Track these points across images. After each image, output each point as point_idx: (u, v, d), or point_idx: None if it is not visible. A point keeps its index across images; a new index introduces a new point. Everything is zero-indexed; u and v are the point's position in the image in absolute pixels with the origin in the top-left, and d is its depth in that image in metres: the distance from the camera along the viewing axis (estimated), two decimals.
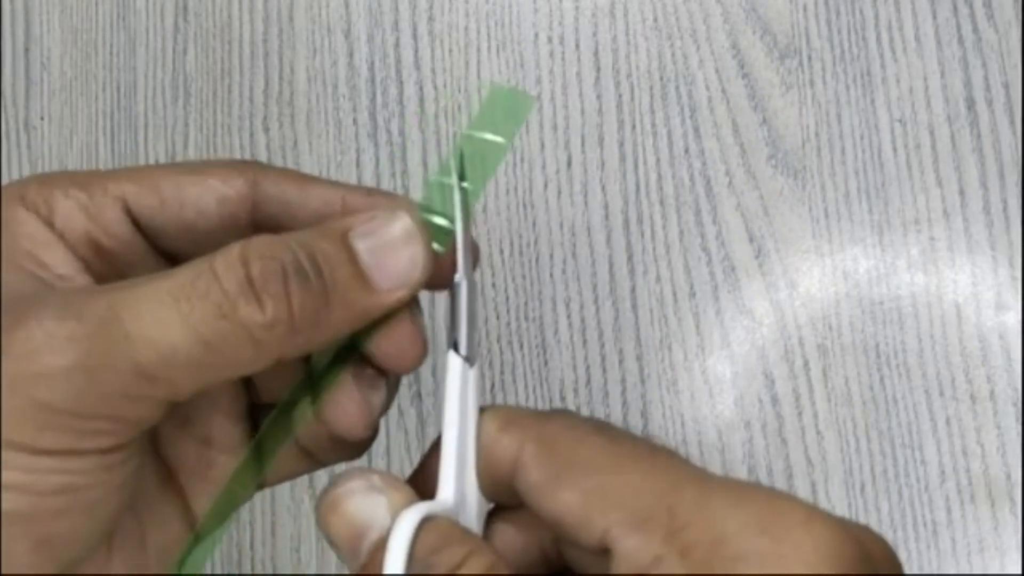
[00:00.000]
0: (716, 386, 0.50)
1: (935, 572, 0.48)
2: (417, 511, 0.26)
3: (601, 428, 0.27)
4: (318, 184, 0.30)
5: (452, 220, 0.29)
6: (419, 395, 0.52)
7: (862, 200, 0.51)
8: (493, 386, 0.51)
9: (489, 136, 0.29)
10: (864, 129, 0.51)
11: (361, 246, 0.28)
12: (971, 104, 0.51)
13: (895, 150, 0.51)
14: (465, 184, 0.29)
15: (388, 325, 0.28)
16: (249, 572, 0.51)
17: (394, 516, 0.26)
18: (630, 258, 0.51)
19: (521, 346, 0.51)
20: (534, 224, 0.52)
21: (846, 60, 0.52)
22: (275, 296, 0.26)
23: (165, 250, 0.30)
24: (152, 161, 0.56)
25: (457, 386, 0.28)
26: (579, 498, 0.25)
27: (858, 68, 0.51)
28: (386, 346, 0.29)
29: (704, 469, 0.26)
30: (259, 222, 0.29)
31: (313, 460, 0.31)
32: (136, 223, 0.29)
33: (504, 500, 0.28)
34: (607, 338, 0.51)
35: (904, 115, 0.51)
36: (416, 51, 0.54)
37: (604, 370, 0.51)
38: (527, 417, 0.28)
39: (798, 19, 0.52)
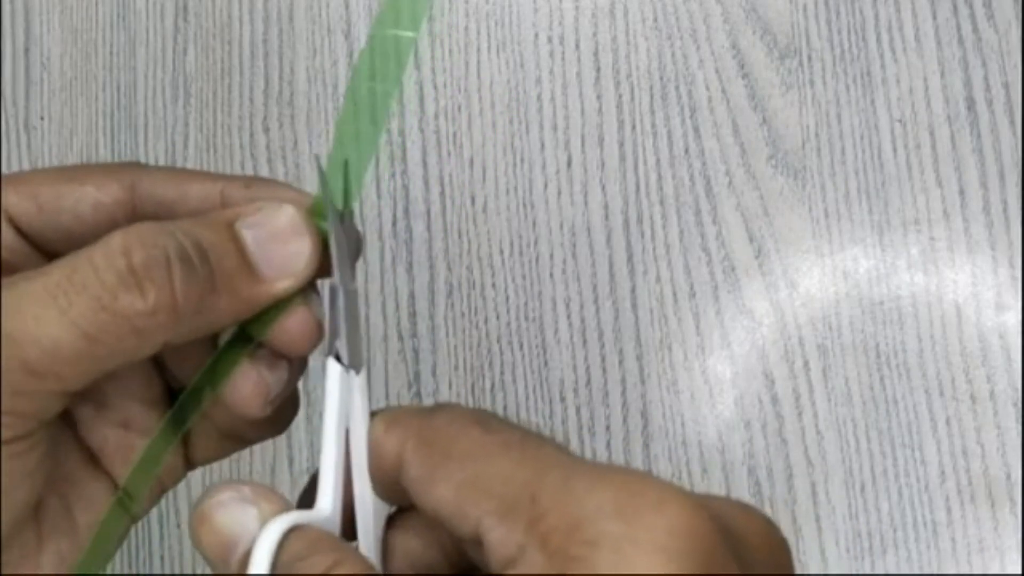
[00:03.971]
0: (716, 386, 0.50)
1: (935, 572, 0.48)
2: (284, 520, 0.26)
3: (479, 419, 0.27)
4: (196, 179, 0.30)
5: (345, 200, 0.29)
6: (419, 395, 0.52)
7: (862, 200, 0.51)
8: (493, 386, 0.52)
9: (397, 31, 0.29)
10: (864, 129, 0.51)
11: (248, 236, 0.28)
12: (971, 104, 0.51)
13: (895, 150, 0.51)
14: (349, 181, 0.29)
15: (280, 311, 0.29)
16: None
17: (263, 527, 0.26)
18: (630, 258, 0.51)
19: (521, 346, 0.51)
20: (534, 224, 0.52)
21: (846, 60, 0.52)
22: (158, 284, 0.26)
23: (50, 254, 0.30)
24: (153, 161, 0.56)
25: (336, 395, 0.28)
26: (452, 491, 0.25)
27: (858, 68, 0.52)
28: (278, 331, 0.29)
29: (573, 454, 0.26)
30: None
31: (235, 439, 0.31)
32: (19, 229, 0.30)
33: (399, 501, 0.28)
34: (607, 338, 0.51)
35: (904, 115, 0.51)
36: (416, 51, 0.54)
37: (604, 370, 0.51)
38: (411, 415, 0.28)
39: (798, 19, 0.52)
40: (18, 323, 0.26)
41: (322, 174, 0.29)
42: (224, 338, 0.30)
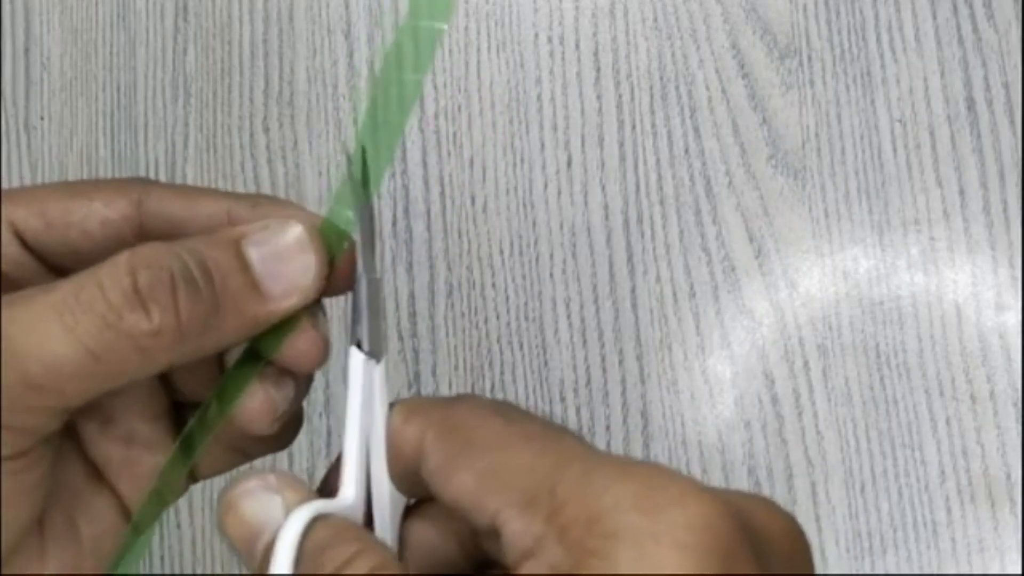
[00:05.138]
0: (716, 386, 0.50)
1: (935, 572, 0.48)
2: (308, 509, 0.26)
3: (500, 410, 0.27)
4: (204, 197, 0.30)
5: (358, 213, 0.29)
6: (419, 395, 0.52)
7: (862, 200, 0.51)
8: (493, 386, 0.51)
9: (426, 23, 0.29)
10: (864, 129, 0.51)
11: (254, 254, 0.28)
12: (971, 104, 0.51)
13: (895, 150, 0.51)
14: (371, 174, 0.29)
15: (288, 329, 0.29)
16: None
17: (289, 516, 0.26)
18: (630, 258, 0.51)
19: (521, 346, 0.51)
20: (534, 224, 0.52)
21: (846, 60, 0.52)
22: (162, 304, 0.26)
23: (57, 268, 0.30)
24: (152, 161, 0.56)
25: (359, 383, 0.28)
26: (472, 480, 0.25)
27: (858, 68, 0.51)
28: (286, 349, 0.29)
29: (595, 447, 0.26)
30: (148, 240, 0.30)
31: (240, 453, 0.32)
32: (26, 244, 0.30)
33: (417, 493, 0.28)
34: (607, 338, 0.51)
35: (904, 115, 0.51)
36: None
37: (604, 370, 0.51)
38: (431, 405, 0.28)
39: (798, 19, 0.52)
40: (23, 339, 0.26)
41: (348, 160, 0.29)
42: (231, 357, 0.30)
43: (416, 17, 0.30)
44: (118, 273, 0.26)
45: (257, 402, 0.29)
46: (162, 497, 0.31)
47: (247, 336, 0.28)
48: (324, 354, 0.29)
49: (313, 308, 0.29)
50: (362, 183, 0.29)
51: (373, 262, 0.29)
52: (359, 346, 0.28)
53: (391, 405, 0.28)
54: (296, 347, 0.29)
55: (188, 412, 0.32)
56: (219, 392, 0.30)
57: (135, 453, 0.31)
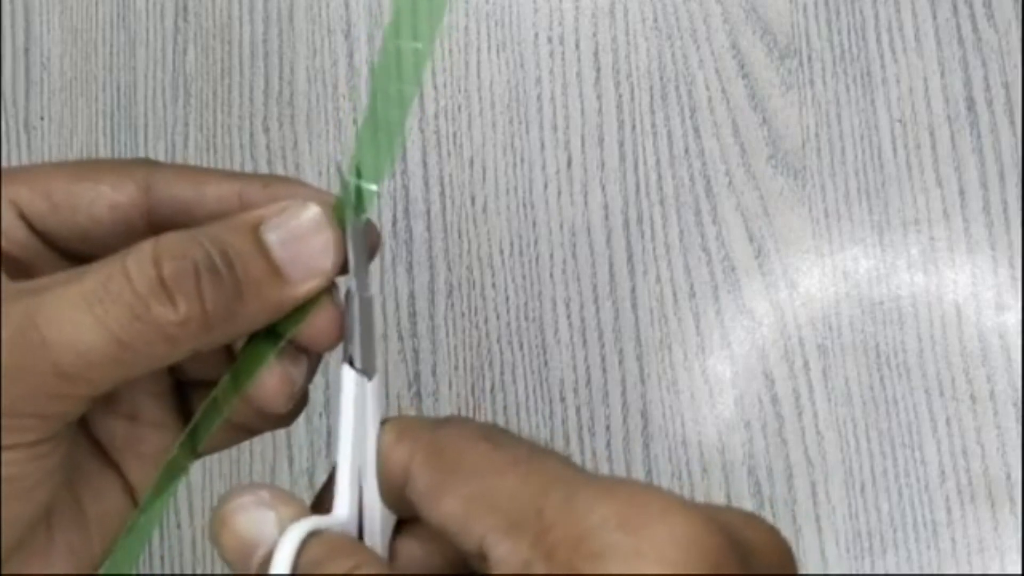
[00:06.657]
0: (716, 386, 0.50)
1: (935, 572, 0.48)
2: (303, 525, 0.26)
3: (488, 434, 0.27)
4: (213, 179, 0.30)
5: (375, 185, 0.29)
6: (419, 395, 0.52)
7: (862, 200, 0.51)
8: (493, 386, 0.51)
9: None
10: (864, 129, 0.51)
11: (273, 238, 0.28)
12: (971, 104, 0.51)
13: (895, 150, 0.51)
14: (368, 186, 0.29)
15: (308, 308, 0.29)
16: None
17: (283, 531, 0.26)
18: (630, 258, 0.51)
19: (521, 346, 0.51)
20: (534, 224, 0.52)
21: (846, 60, 0.52)
22: (188, 295, 0.26)
23: (63, 252, 0.30)
24: None
25: (352, 400, 0.28)
26: (459, 505, 0.25)
27: (858, 68, 0.52)
28: (306, 328, 0.29)
29: (582, 469, 0.26)
30: (157, 224, 0.30)
31: (244, 430, 0.32)
32: (32, 227, 0.30)
33: (405, 512, 0.28)
34: (607, 338, 0.51)
35: (904, 115, 0.51)
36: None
37: (604, 370, 0.51)
38: (421, 426, 0.28)
39: (798, 19, 0.52)
40: (53, 328, 0.26)
41: (342, 176, 0.29)
42: (240, 341, 0.30)
43: None
44: (144, 263, 0.26)
45: (276, 380, 0.29)
46: (171, 476, 0.31)
47: (270, 320, 0.28)
48: (341, 333, 0.29)
49: (330, 287, 0.29)
50: (356, 199, 0.29)
51: (366, 280, 0.29)
52: (351, 363, 0.28)
53: (382, 422, 0.28)
54: (315, 326, 0.29)
55: (191, 390, 0.32)
56: (234, 371, 0.30)
57: (140, 431, 0.31)
